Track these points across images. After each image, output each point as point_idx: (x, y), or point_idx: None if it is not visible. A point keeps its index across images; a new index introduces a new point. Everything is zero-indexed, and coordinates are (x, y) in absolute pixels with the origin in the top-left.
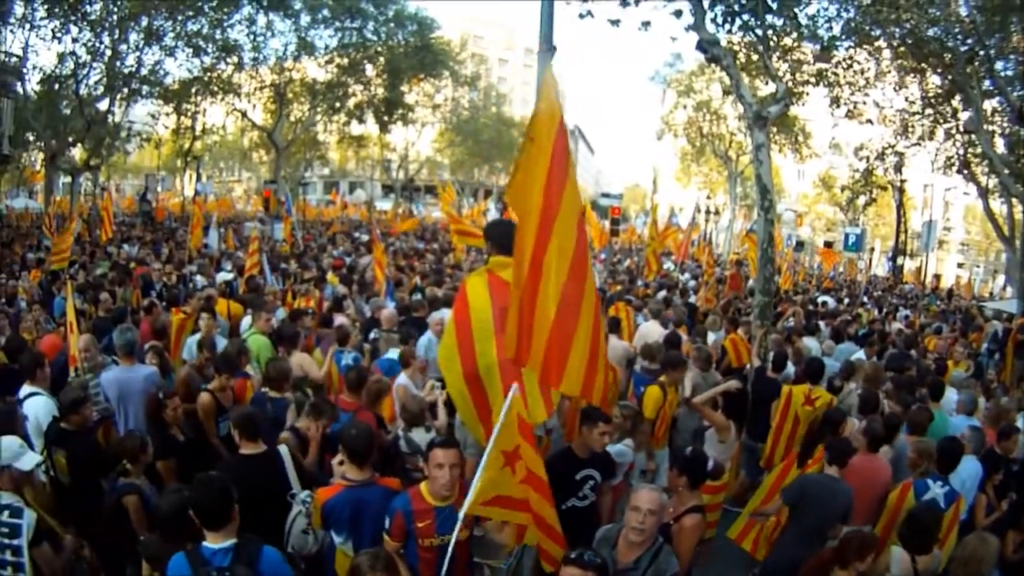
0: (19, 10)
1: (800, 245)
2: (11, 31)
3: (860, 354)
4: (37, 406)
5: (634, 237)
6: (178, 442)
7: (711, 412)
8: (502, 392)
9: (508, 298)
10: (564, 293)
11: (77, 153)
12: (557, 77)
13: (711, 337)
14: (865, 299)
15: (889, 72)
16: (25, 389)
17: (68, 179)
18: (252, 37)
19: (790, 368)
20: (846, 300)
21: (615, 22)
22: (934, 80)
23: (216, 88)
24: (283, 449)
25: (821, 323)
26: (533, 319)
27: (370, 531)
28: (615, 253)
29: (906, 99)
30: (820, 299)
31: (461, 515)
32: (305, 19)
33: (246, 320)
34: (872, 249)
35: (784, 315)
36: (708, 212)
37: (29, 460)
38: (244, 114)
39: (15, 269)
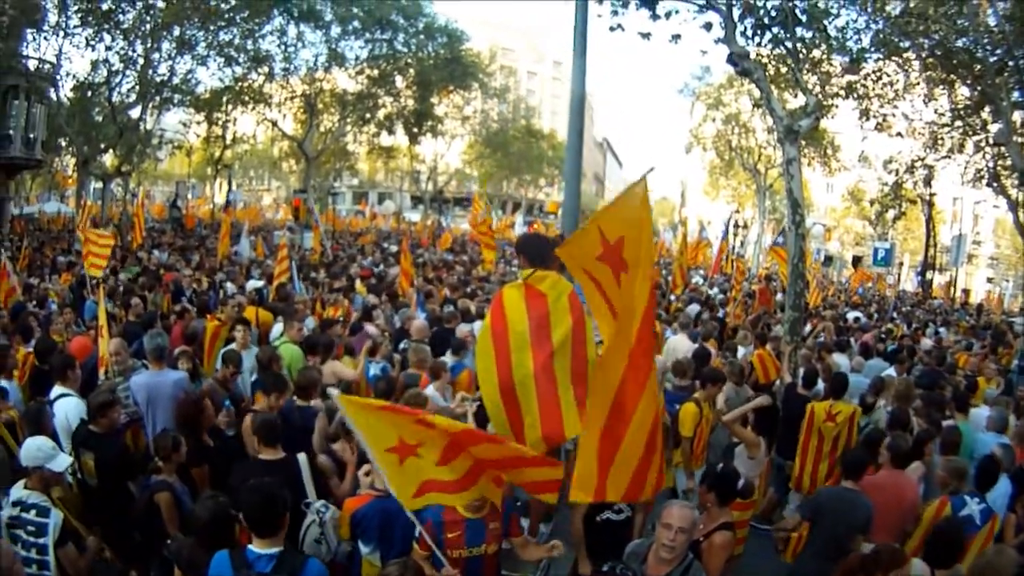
0: (52, 18)
1: (828, 260)
2: (44, 38)
3: (892, 371)
4: (67, 407)
5: (663, 251)
6: (211, 448)
7: (741, 429)
8: (536, 404)
9: (544, 310)
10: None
11: (108, 159)
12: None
13: (740, 352)
14: (894, 315)
15: (918, 84)
16: (56, 390)
17: (99, 184)
18: (283, 48)
19: (820, 385)
20: (875, 316)
21: (646, 35)
22: (963, 92)
23: (247, 98)
24: (301, 457)
25: (852, 339)
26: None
27: (399, 540)
28: None
29: (935, 111)
30: (851, 315)
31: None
32: (336, 30)
33: (276, 328)
34: (901, 264)
35: (815, 331)
36: (737, 226)
37: (61, 462)
38: (275, 124)
39: (45, 272)
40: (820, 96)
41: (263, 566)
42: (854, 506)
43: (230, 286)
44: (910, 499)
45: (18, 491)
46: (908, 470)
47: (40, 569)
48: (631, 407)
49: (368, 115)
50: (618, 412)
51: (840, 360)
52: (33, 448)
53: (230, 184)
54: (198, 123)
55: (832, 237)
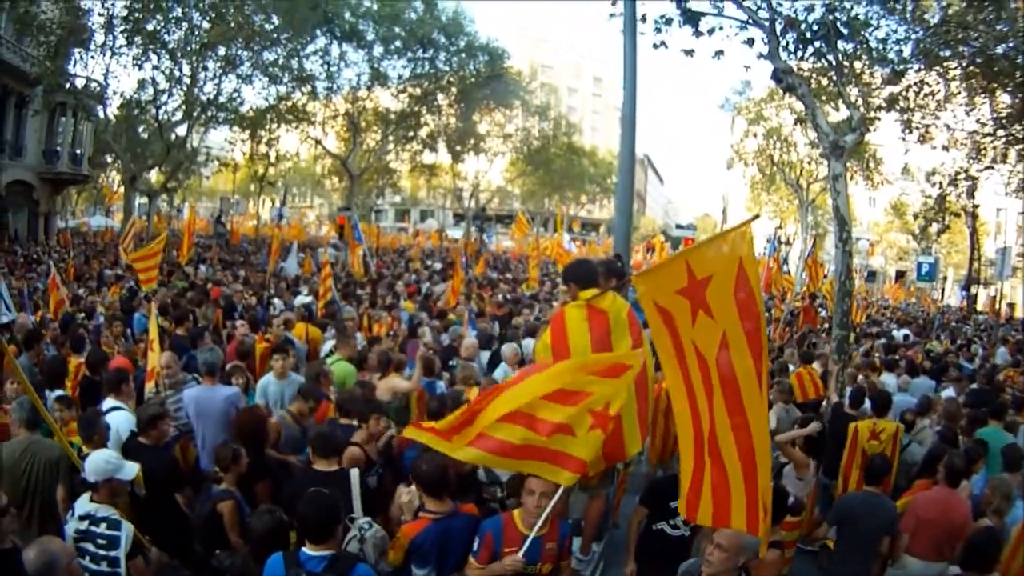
0: (99, 38)
1: (872, 275)
2: (92, 57)
3: (950, 391)
4: (118, 420)
5: None
6: (272, 463)
7: (792, 449)
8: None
9: (606, 328)
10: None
11: (154, 175)
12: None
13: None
14: (940, 332)
15: (959, 93)
16: (108, 403)
17: (145, 200)
18: (326, 67)
19: (868, 404)
20: (920, 332)
21: (689, 52)
22: (1004, 99)
23: (290, 116)
24: (354, 472)
25: (898, 358)
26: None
27: (454, 560)
28: None
29: (977, 121)
30: (900, 332)
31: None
32: (378, 50)
33: (325, 344)
34: (944, 278)
35: (866, 350)
36: (780, 242)
37: (130, 471)
38: (318, 142)
39: (92, 286)
40: (863, 109)
41: (314, 566)
42: (878, 509)
43: (278, 302)
44: (960, 517)
45: (85, 505)
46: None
47: None
48: (712, 441)
49: (411, 133)
50: (699, 439)
51: (888, 380)
52: (101, 461)
53: (284, 200)
54: (243, 141)
55: (875, 252)
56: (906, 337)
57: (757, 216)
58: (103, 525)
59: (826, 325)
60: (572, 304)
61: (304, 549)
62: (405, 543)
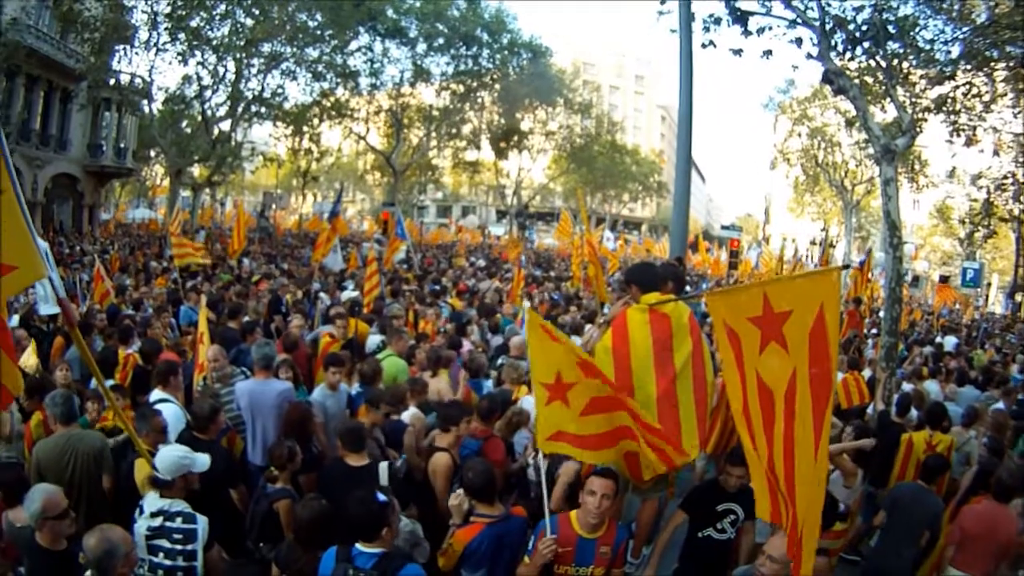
0: (143, 34)
1: (916, 280)
2: (136, 53)
3: (1001, 404)
4: (167, 413)
5: (748, 269)
6: (318, 456)
7: (841, 458)
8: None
9: (668, 331)
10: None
11: (198, 169)
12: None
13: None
14: (984, 340)
15: (1006, 95)
16: (155, 394)
17: (189, 193)
18: (369, 64)
19: (914, 412)
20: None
21: (738, 52)
22: None
23: (334, 112)
24: (382, 466)
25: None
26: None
27: (505, 563)
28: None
29: None
30: (949, 341)
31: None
32: (421, 47)
33: (371, 339)
34: (988, 284)
35: (911, 358)
36: (824, 244)
37: (202, 462)
38: (362, 137)
39: (141, 278)
40: (912, 112)
41: (364, 562)
42: (923, 502)
43: (324, 296)
44: (1007, 534)
45: (155, 502)
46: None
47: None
48: (770, 464)
49: (454, 130)
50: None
51: (931, 387)
52: (175, 457)
53: (340, 196)
54: (286, 136)
55: (919, 256)
56: (957, 346)
57: (847, 267)
58: (179, 520)
59: (874, 330)
60: (634, 307)
61: (357, 545)
62: (459, 548)
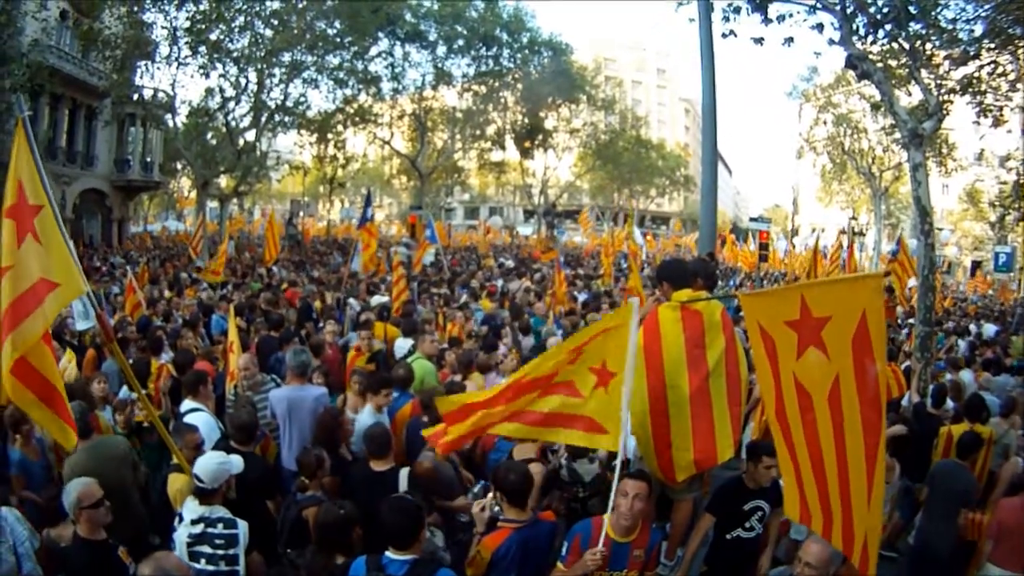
0: (164, 49)
1: (948, 267)
2: (158, 68)
3: None
4: (199, 422)
5: (776, 262)
6: (348, 462)
7: None
8: (690, 427)
9: (700, 329)
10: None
11: (224, 180)
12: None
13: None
14: (1020, 326)
15: None
16: (186, 404)
17: (216, 204)
18: (391, 68)
19: (950, 403)
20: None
21: (759, 40)
22: None
23: (357, 118)
24: (403, 471)
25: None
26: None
27: (534, 569)
28: (762, 279)
29: None
30: (987, 327)
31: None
32: (441, 49)
33: (399, 343)
34: (1022, 268)
35: (948, 345)
36: (853, 233)
37: (237, 463)
38: (386, 142)
39: (162, 289)
40: (937, 94)
41: (396, 570)
42: (957, 477)
43: (353, 302)
44: None
45: (195, 509)
46: None
47: None
48: (817, 465)
49: (478, 131)
50: (793, 456)
51: (965, 376)
52: (214, 464)
53: (368, 201)
54: (311, 144)
55: (950, 242)
56: (998, 333)
57: (888, 274)
58: (220, 525)
59: (910, 320)
60: (666, 305)
61: (387, 553)
62: (487, 556)
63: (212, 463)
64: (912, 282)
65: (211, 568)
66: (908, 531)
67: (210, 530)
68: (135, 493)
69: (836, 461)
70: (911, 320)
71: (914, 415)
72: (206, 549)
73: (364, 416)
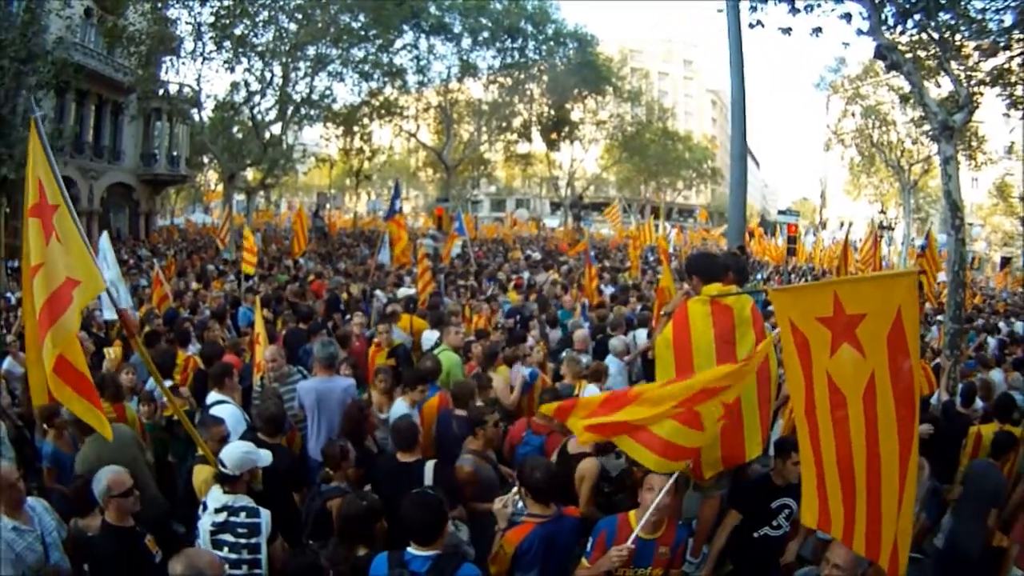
0: (189, 45)
1: (977, 263)
2: (183, 63)
3: None
4: (225, 414)
5: (804, 256)
6: (373, 454)
7: None
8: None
9: (730, 323)
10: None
11: (251, 173)
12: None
13: None
14: None
15: None
16: (212, 396)
17: (243, 197)
18: (416, 61)
19: (979, 403)
20: None
21: (787, 30)
22: None
23: (383, 111)
24: (429, 464)
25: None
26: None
27: (557, 564)
28: (790, 273)
29: None
30: (1019, 325)
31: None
32: (466, 42)
33: (426, 335)
34: None
35: (979, 342)
36: (882, 227)
37: (265, 456)
38: (412, 135)
39: (188, 281)
40: (967, 86)
41: (418, 566)
42: (988, 476)
43: (380, 294)
44: None
45: (219, 498)
46: None
47: (251, 568)
48: (846, 466)
49: (504, 123)
50: (818, 457)
51: (995, 375)
52: (241, 453)
53: (396, 193)
54: (337, 136)
55: (979, 237)
56: None
57: (923, 272)
58: (243, 514)
59: (938, 317)
60: (696, 299)
61: (409, 549)
62: (510, 550)
63: (239, 451)
64: (942, 276)
65: (233, 556)
66: (934, 532)
67: (233, 519)
68: (149, 476)
69: (867, 461)
70: (939, 317)
71: (943, 414)
72: (229, 538)
73: (398, 407)
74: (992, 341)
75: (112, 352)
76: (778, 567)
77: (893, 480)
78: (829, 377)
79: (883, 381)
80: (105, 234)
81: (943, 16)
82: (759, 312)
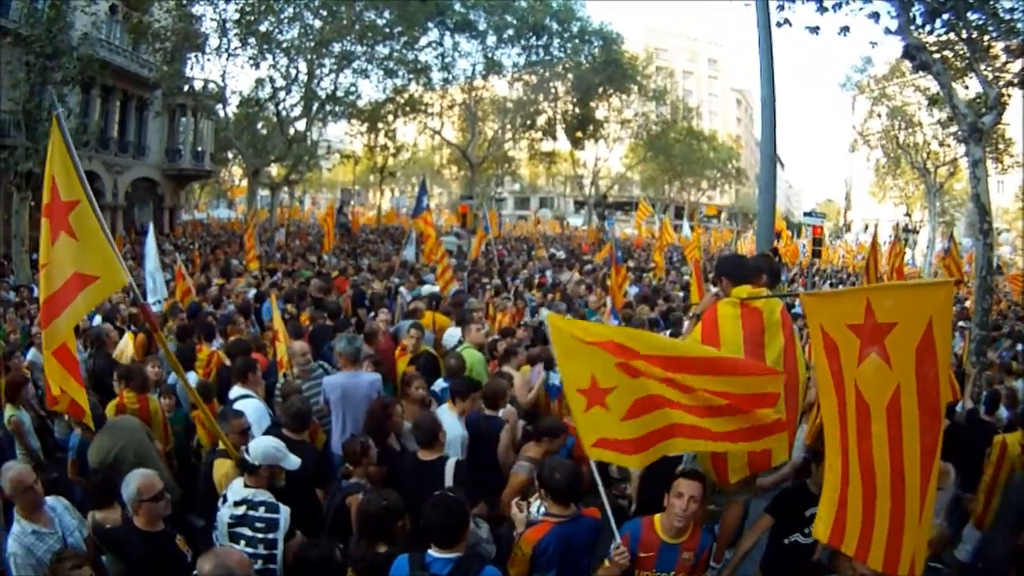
0: (214, 41)
1: (999, 269)
2: (208, 59)
3: None
4: (249, 408)
5: (829, 258)
6: (395, 452)
7: None
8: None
9: (759, 326)
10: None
11: (275, 169)
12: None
13: None
14: None
15: None
16: (235, 391)
17: (267, 192)
18: (440, 58)
19: (1004, 410)
20: None
21: (814, 29)
22: None
23: (407, 108)
24: (450, 462)
25: None
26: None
27: (575, 565)
28: (815, 275)
29: None
30: None
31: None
32: (491, 39)
33: (449, 332)
34: None
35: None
36: (906, 230)
37: (293, 462)
38: (437, 132)
39: (211, 276)
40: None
41: (439, 568)
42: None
43: (403, 291)
44: None
45: (240, 491)
46: None
47: (266, 563)
48: (867, 475)
49: (529, 121)
50: (845, 468)
51: (1020, 386)
52: (269, 447)
53: (422, 189)
54: (361, 133)
55: (1005, 242)
56: None
57: (961, 280)
58: (262, 509)
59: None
60: (725, 301)
61: (430, 551)
62: (527, 550)
63: (268, 445)
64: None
65: (250, 551)
66: (954, 543)
67: (252, 513)
68: (160, 462)
69: (890, 474)
70: (961, 323)
71: (967, 421)
72: (246, 531)
73: (449, 422)
74: (1019, 347)
75: (131, 339)
76: (803, 572)
77: (916, 491)
78: (857, 387)
79: (909, 392)
80: (151, 227)
81: (972, 16)
82: (788, 316)
